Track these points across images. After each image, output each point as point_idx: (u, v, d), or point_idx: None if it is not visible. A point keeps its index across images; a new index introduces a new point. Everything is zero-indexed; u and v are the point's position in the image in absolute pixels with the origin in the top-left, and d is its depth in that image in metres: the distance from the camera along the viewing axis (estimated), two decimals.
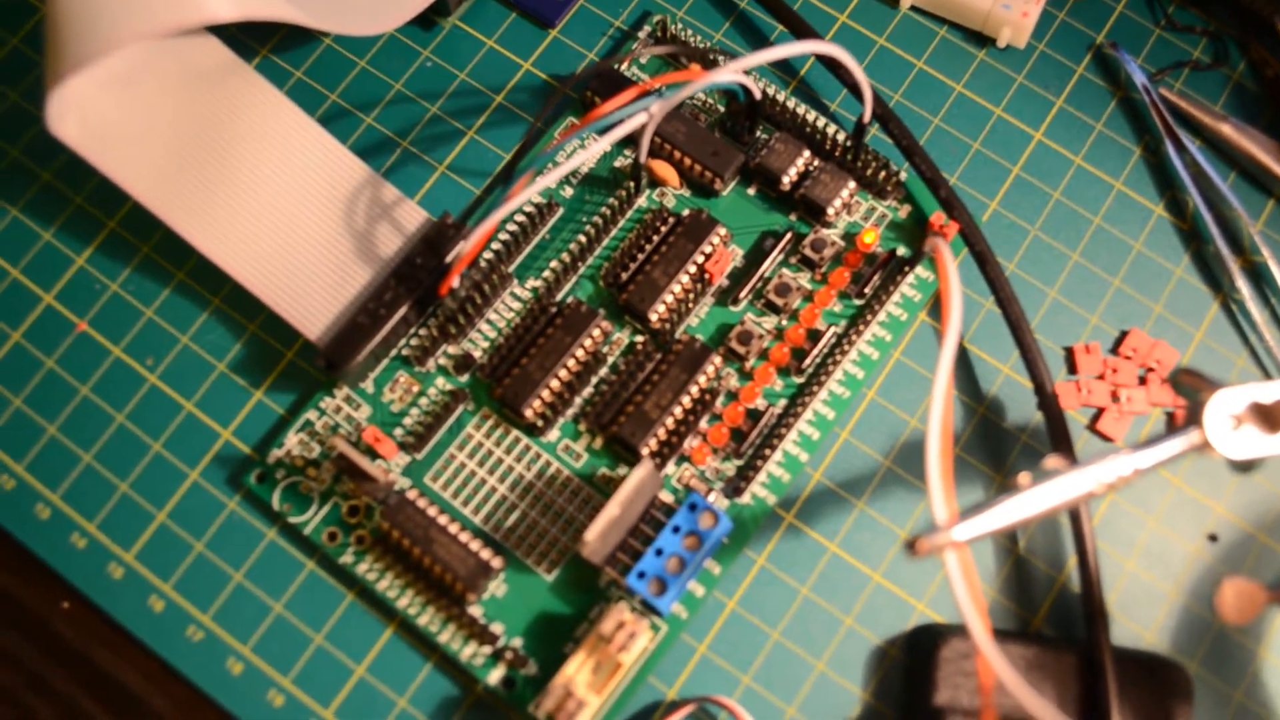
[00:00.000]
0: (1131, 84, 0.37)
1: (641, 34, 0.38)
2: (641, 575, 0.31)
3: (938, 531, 0.26)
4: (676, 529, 0.31)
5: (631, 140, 0.36)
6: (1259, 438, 0.28)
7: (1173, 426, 0.34)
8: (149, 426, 0.34)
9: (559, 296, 0.35)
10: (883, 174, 0.35)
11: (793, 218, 0.35)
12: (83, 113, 0.32)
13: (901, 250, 0.35)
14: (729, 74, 0.31)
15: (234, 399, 0.35)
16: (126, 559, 0.33)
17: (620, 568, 0.32)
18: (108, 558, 0.33)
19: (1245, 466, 0.33)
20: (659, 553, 0.31)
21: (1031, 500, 0.27)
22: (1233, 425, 0.28)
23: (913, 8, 0.39)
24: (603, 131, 0.31)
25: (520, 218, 0.35)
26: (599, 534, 0.30)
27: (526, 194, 0.31)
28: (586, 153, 0.30)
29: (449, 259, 0.33)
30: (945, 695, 0.31)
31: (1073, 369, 0.35)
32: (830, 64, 0.36)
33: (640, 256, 0.34)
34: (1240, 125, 0.37)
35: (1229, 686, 0.33)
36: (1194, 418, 0.28)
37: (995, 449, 0.34)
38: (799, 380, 0.34)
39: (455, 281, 0.32)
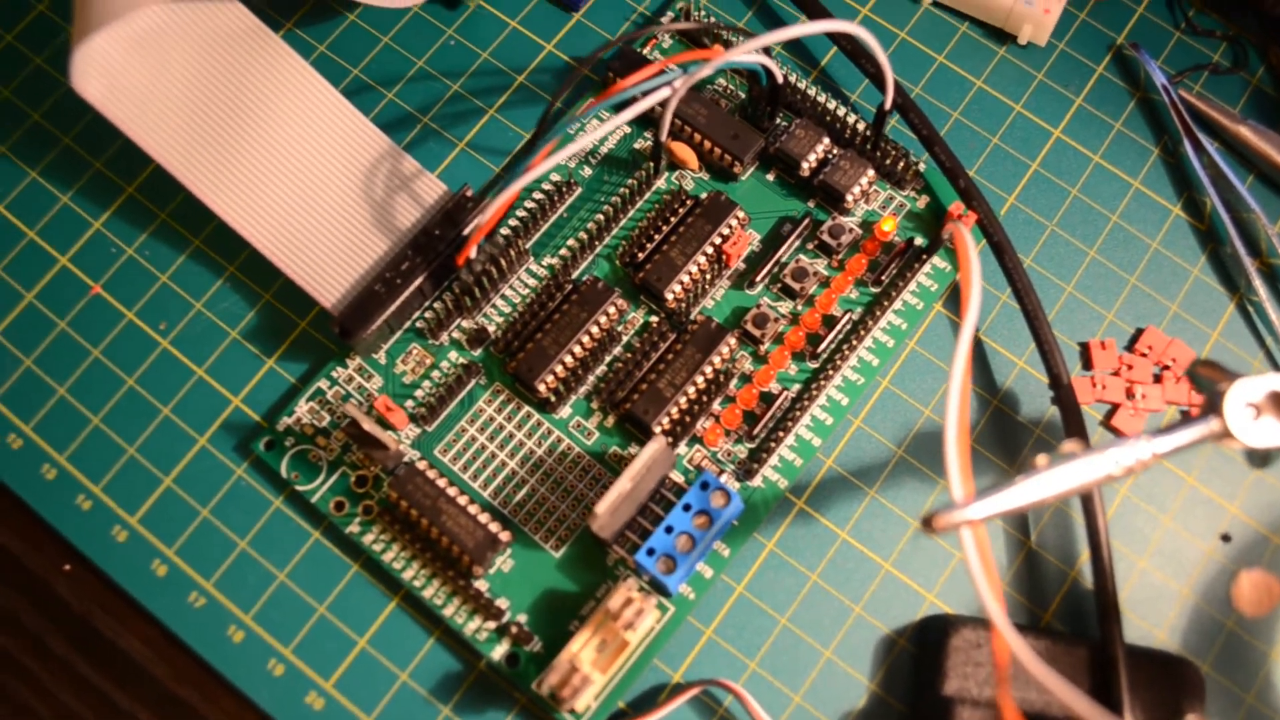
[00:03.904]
0: (1151, 84, 0.37)
1: (665, 19, 0.38)
2: (651, 552, 0.31)
3: (954, 508, 0.26)
4: (688, 507, 0.31)
5: (651, 122, 0.36)
6: (1279, 427, 0.28)
7: (1186, 422, 0.34)
8: (159, 391, 0.34)
9: (575, 274, 0.35)
10: (902, 163, 0.35)
11: (811, 204, 0.35)
12: (107, 72, 0.33)
13: (919, 240, 0.35)
14: (751, 52, 0.31)
15: (245, 366, 0.34)
16: (131, 523, 0.33)
17: (628, 546, 0.31)
18: (112, 521, 0.33)
19: (1263, 458, 0.33)
20: (669, 530, 0.31)
21: (1049, 480, 0.26)
22: (1252, 415, 0.28)
23: (935, 3, 0.39)
24: (623, 107, 0.31)
25: (538, 195, 0.35)
26: (609, 508, 0.30)
27: (548, 164, 0.31)
28: (608, 124, 0.30)
29: (467, 230, 0.33)
30: (955, 685, 0.30)
31: (1088, 364, 0.35)
32: (851, 52, 0.36)
33: (657, 236, 0.34)
34: (1259, 128, 0.37)
35: (1241, 689, 0.32)
36: (1213, 406, 0.28)
37: (1008, 442, 0.34)
38: (813, 365, 0.34)
39: (473, 252, 0.32)
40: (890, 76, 0.32)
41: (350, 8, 0.38)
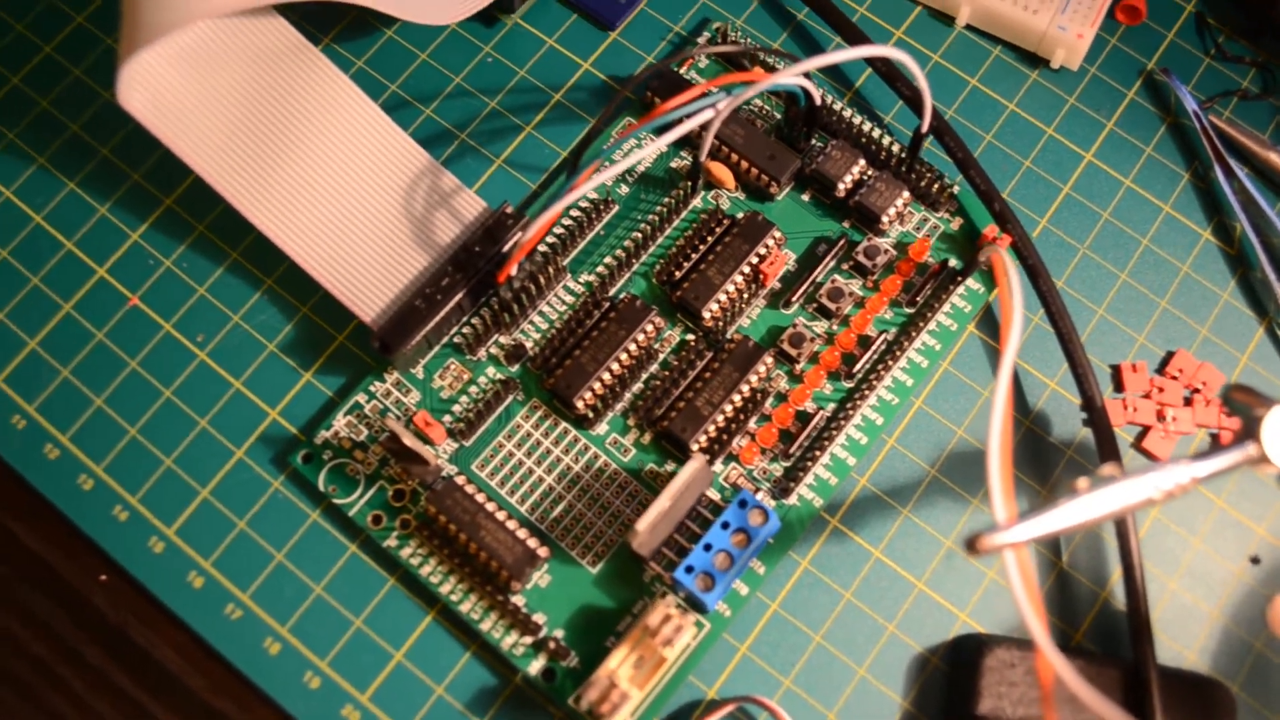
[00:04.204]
0: (1182, 110, 0.38)
1: (700, 39, 0.38)
2: (690, 570, 0.31)
3: (998, 530, 0.26)
4: (726, 525, 0.31)
5: (689, 142, 0.36)
6: None
7: (1218, 447, 0.34)
8: (196, 403, 0.34)
9: (612, 292, 0.35)
10: (936, 186, 0.36)
11: (845, 225, 0.36)
12: (152, 87, 0.33)
13: (953, 262, 0.35)
14: (793, 75, 0.31)
15: (283, 379, 0.35)
16: (168, 534, 0.33)
17: (665, 563, 0.31)
18: (149, 531, 0.33)
19: None
20: (707, 548, 0.31)
21: (1091, 504, 0.27)
22: None
23: (968, 26, 0.39)
24: (664, 129, 0.31)
25: (576, 212, 0.35)
26: (649, 526, 0.30)
27: (590, 184, 0.31)
28: (653, 146, 0.31)
29: (507, 247, 0.33)
30: (989, 704, 0.30)
31: (1119, 387, 0.35)
32: (887, 75, 0.37)
33: (695, 255, 0.34)
34: None
35: (1270, 710, 0.32)
36: (1250, 432, 0.28)
37: (1040, 463, 0.34)
38: (848, 385, 0.34)
39: (513, 269, 0.32)
40: (929, 101, 0.33)
41: (388, 24, 0.39)
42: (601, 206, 0.35)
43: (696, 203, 0.36)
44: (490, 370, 0.34)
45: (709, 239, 0.35)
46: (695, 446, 0.32)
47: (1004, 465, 0.27)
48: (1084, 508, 0.27)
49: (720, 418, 0.33)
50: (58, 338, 0.35)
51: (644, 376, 0.34)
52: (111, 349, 0.35)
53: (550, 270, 0.34)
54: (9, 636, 0.33)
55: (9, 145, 0.37)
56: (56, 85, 0.38)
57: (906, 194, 0.35)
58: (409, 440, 0.31)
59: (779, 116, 0.37)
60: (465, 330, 0.34)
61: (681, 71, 0.37)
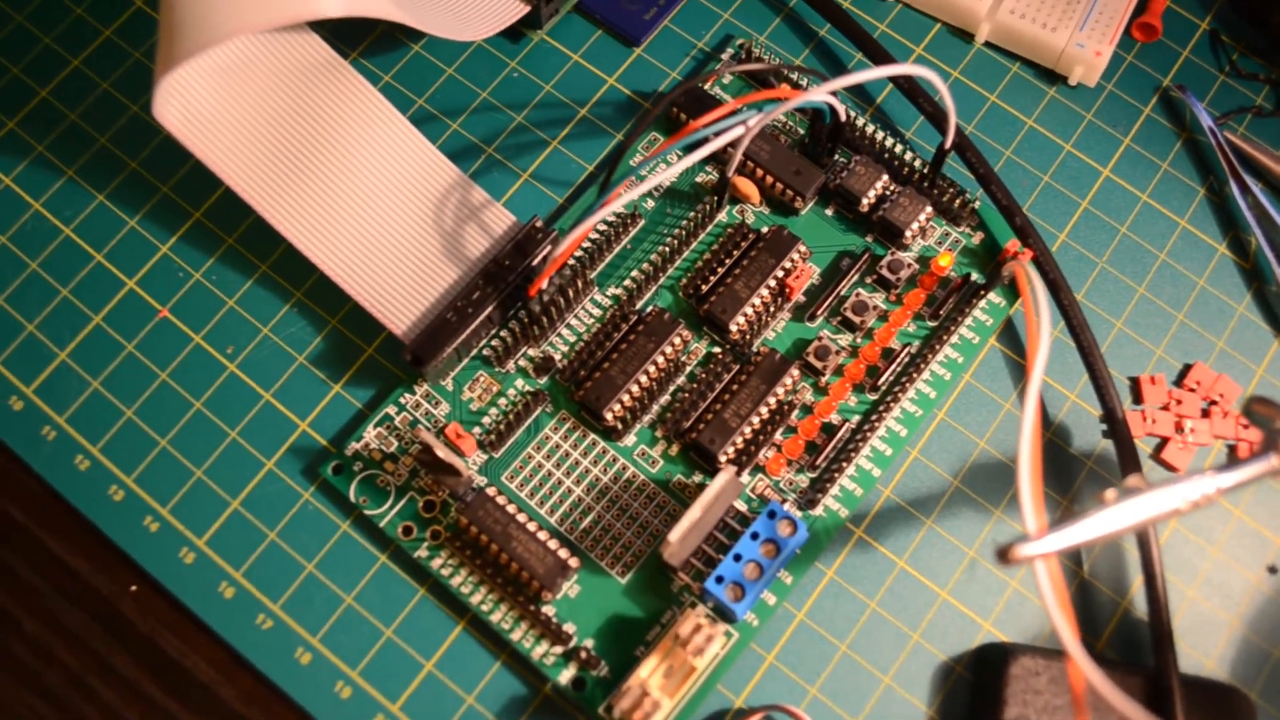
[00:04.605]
0: (1197, 126, 0.38)
1: (724, 55, 0.39)
2: (720, 580, 0.31)
3: (1030, 541, 0.26)
4: (755, 535, 0.32)
5: (715, 158, 0.37)
6: None
7: (1235, 458, 0.35)
8: (226, 414, 0.35)
9: (639, 305, 0.35)
10: (958, 201, 0.36)
11: (869, 239, 0.36)
12: (186, 101, 0.33)
13: (974, 275, 0.36)
14: (821, 94, 0.32)
15: (312, 391, 0.35)
16: (198, 544, 0.33)
17: (693, 573, 0.32)
18: (180, 542, 0.33)
19: None
20: (737, 558, 0.31)
21: (1120, 515, 0.27)
22: None
23: (988, 43, 0.40)
24: (694, 146, 0.32)
25: (603, 226, 0.36)
26: (680, 536, 0.31)
27: (623, 200, 0.31)
28: (682, 162, 0.31)
29: (538, 261, 0.34)
30: (1014, 712, 0.31)
31: (1138, 399, 0.36)
32: (909, 91, 0.37)
33: (721, 269, 0.35)
34: None
35: None
36: (1272, 443, 0.29)
37: (1061, 474, 0.35)
38: (873, 397, 0.34)
39: (545, 283, 0.33)
40: (953, 118, 0.33)
41: (415, 39, 0.39)
42: (628, 220, 0.36)
43: (722, 217, 0.36)
44: (519, 382, 0.34)
45: (735, 253, 0.35)
46: (723, 458, 0.33)
47: (1035, 475, 0.27)
48: (1113, 518, 0.27)
49: (748, 429, 0.33)
50: (87, 349, 0.35)
51: (671, 389, 0.34)
52: (142, 361, 0.35)
53: (578, 283, 0.34)
54: (40, 647, 0.33)
55: (38, 158, 0.37)
56: (85, 98, 0.38)
57: (929, 209, 0.36)
58: (442, 452, 0.32)
59: (802, 132, 0.37)
60: (495, 343, 0.34)
61: (706, 87, 0.38)
